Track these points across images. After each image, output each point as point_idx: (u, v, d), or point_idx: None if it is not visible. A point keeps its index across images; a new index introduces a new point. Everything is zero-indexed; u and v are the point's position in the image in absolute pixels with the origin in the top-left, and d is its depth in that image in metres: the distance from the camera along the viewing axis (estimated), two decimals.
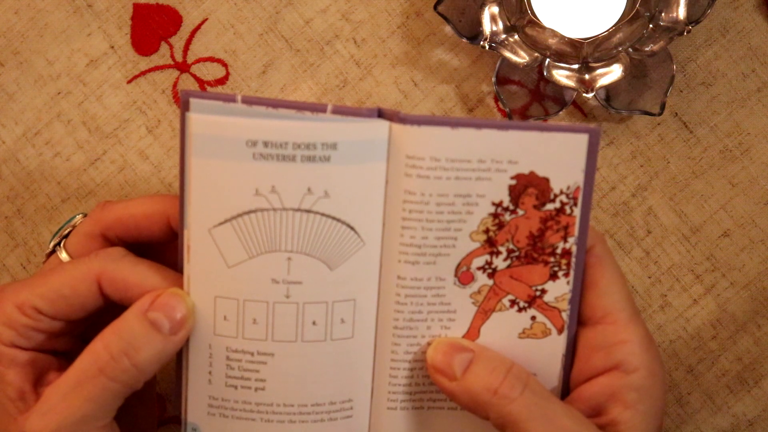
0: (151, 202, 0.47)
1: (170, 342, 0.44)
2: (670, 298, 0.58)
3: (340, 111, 0.43)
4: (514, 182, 0.45)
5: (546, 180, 0.45)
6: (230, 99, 0.43)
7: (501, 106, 0.57)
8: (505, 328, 0.47)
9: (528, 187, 0.45)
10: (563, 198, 0.45)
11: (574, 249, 0.46)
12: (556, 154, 0.44)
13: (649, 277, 0.58)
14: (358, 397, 0.47)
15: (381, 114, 0.44)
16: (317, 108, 0.43)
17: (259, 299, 0.45)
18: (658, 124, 0.57)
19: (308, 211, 0.44)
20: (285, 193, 0.43)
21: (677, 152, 0.58)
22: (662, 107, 0.55)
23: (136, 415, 0.49)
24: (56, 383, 0.44)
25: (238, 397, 0.46)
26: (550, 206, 0.45)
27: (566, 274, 0.46)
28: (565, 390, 0.48)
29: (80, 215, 0.50)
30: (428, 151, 0.44)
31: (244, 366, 0.45)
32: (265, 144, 0.43)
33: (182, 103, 0.43)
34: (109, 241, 0.48)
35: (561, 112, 0.56)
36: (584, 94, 0.54)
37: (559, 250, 0.46)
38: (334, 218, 0.44)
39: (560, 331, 0.47)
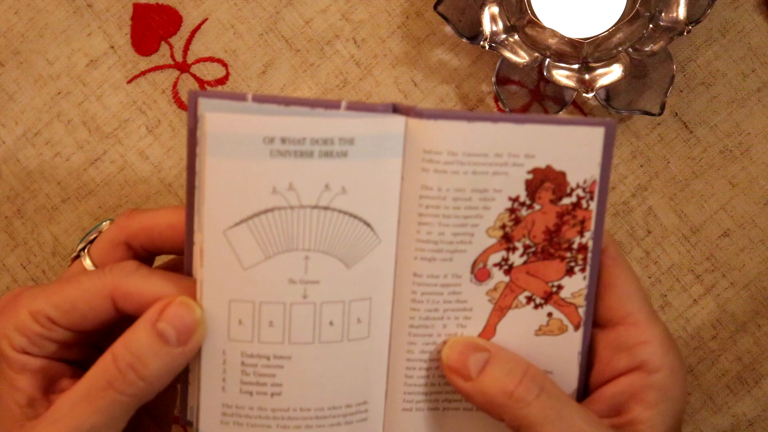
0: (176, 213, 0.46)
1: (179, 354, 0.43)
2: (670, 298, 0.58)
3: (355, 107, 0.43)
4: (530, 176, 0.44)
5: (562, 174, 0.44)
6: (240, 98, 0.42)
7: (501, 106, 0.57)
8: (521, 326, 0.46)
9: (544, 182, 0.44)
10: (580, 192, 0.45)
11: (590, 244, 0.45)
12: (573, 148, 0.44)
13: (649, 277, 0.58)
14: (372, 398, 0.46)
15: (396, 109, 0.44)
16: (331, 104, 0.43)
17: (276, 301, 0.44)
18: (658, 124, 0.57)
19: (326, 208, 0.43)
20: (303, 190, 0.43)
21: (677, 152, 0.58)
22: (662, 107, 0.55)
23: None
24: (67, 393, 0.44)
25: (254, 403, 0.45)
26: (566, 201, 0.45)
27: (582, 269, 0.46)
28: (582, 388, 0.47)
29: (107, 222, 0.49)
30: (445, 146, 0.43)
31: (259, 371, 0.45)
32: (283, 140, 0.42)
33: (190, 105, 0.43)
34: (133, 249, 0.47)
35: (561, 112, 0.56)
36: (584, 94, 0.54)
37: (575, 245, 0.45)
38: (351, 215, 0.44)
39: (576, 328, 0.46)
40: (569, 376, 0.47)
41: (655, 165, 0.58)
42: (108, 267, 0.45)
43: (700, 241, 0.58)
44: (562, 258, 0.45)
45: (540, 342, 0.47)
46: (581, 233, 0.45)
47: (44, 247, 0.58)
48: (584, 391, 0.47)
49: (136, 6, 0.57)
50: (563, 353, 0.47)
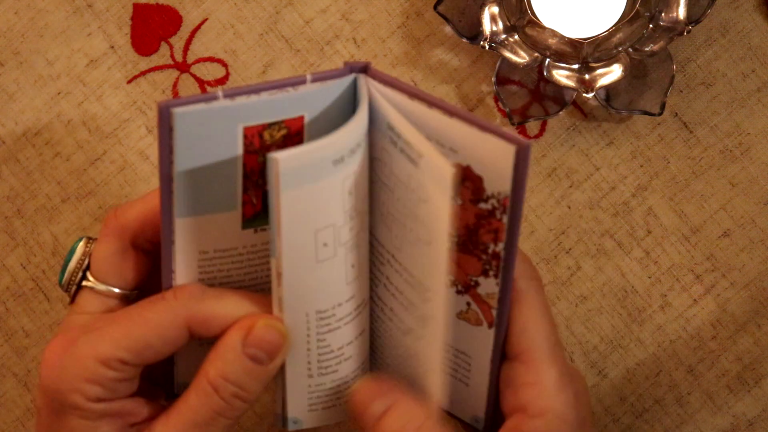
0: None
1: (272, 369, 0.45)
2: (670, 298, 0.58)
3: (318, 78, 0.43)
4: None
5: (480, 179, 0.43)
6: (212, 98, 0.42)
7: (501, 106, 0.57)
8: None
9: (465, 180, 0.43)
10: (494, 202, 0.43)
11: (502, 254, 0.44)
12: (489, 157, 0.42)
13: (649, 277, 0.58)
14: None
15: (352, 68, 0.44)
16: (297, 81, 0.43)
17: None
18: (658, 124, 0.57)
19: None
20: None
21: (677, 152, 0.58)
22: (662, 107, 0.55)
23: None
24: (168, 424, 0.45)
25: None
26: (483, 205, 0.43)
27: (496, 275, 0.45)
28: (493, 394, 0.47)
29: (82, 241, 0.48)
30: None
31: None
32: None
33: (162, 117, 0.41)
34: (140, 248, 0.47)
35: (561, 112, 0.56)
36: (584, 94, 0.54)
37: (490, 251, 0.44)
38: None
39: (490, 326, 0.46)
40: (483, 369, 0.47)
41: (655, 165, 0.58)
42: (171, 295, 0.45)
43: (700, 241, 0.58)
44: (479, 258, 0.45)
45: (461, 325, 0.47)
46: (495, 242, 0.44)
47: (44, 247, 0.58)
48: (494, 387, 0.47)
49: (136, 6, 0.57)
50: (479, 345, 0.47)
